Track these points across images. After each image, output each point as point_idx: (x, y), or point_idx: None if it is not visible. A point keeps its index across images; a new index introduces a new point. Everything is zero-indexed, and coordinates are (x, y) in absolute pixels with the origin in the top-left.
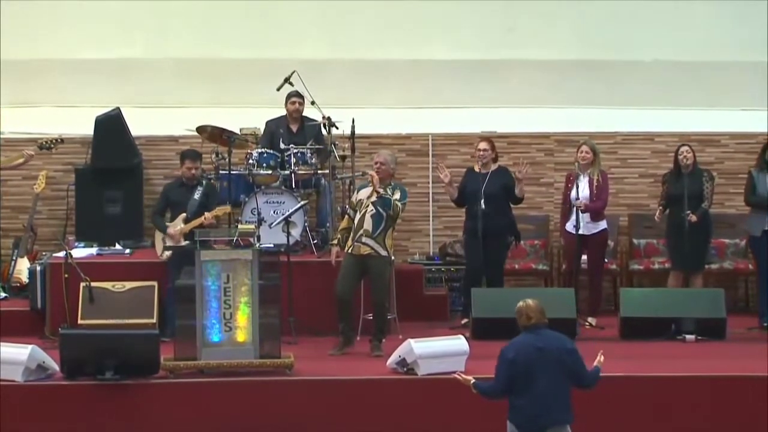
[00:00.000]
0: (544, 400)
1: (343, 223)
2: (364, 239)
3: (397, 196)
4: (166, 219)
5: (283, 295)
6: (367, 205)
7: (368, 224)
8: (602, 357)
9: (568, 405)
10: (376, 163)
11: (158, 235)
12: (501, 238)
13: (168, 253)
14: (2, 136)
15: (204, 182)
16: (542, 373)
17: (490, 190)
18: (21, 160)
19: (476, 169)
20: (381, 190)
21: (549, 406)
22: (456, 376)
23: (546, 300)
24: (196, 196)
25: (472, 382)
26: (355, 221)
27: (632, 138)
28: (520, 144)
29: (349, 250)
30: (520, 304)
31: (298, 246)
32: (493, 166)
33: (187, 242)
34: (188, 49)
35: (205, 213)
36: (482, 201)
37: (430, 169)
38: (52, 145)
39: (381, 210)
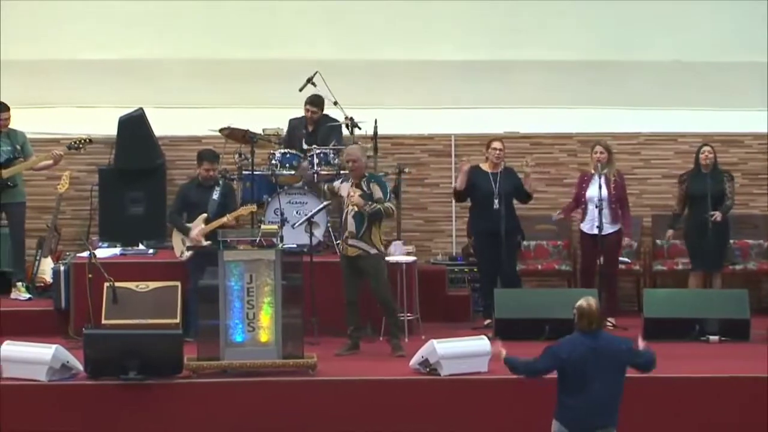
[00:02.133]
0: (596, 402)
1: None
2: (350, 241)
3: (379, 193)
4: (183, 219)
5: (305, 295)
6: (348, 205)
7: (351, 225)
8: (642, 342)
9: (617, 408)
10: (348, 161)
11: (176, 235)
12: (513, 238)
13: (187, 253)
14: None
15: (221, 182)
16: (596, 375)
17: (504, 189)
18: (49, 162)
19: (485, 168)
20: (367, 209)
21: (600, 409)
22: (496, 345)
23: (569, 301)
24: (215, 196)
25: (504, 355)
26: (343, 221)
27: (655, 138)
28: (542, 145)
29: (341, 249)
30: (582, 304)
31: (320, 246)
32: (502, 166)
33: (209, 242)
34: (210, 50)
35: (228, 214)
36: (497, 201)
37: (453, 170)
38: (81, 145)
39: (362, 210)
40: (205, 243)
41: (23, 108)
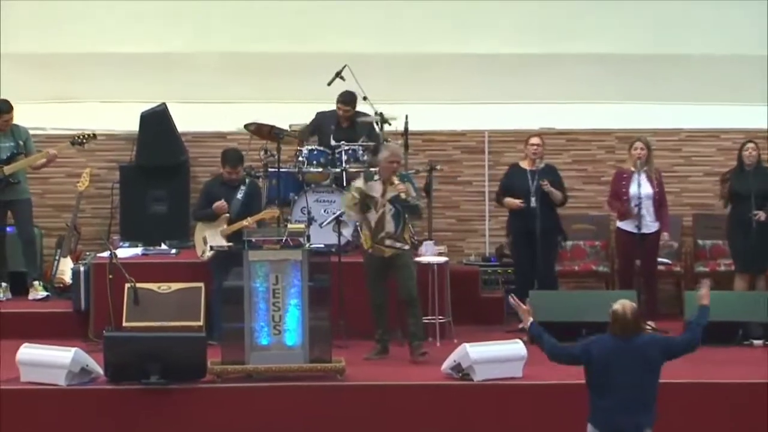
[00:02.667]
0: (627, 403)
1: (351, 199)
2: (387, 241)
3: (413, 192)
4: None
5: (333, 297)
6: (384, 204)
7: (390, 225)
8: (705, 288)
9: (650, 408)
10: (392, 162)
11: (198, 235)
12: (552, 238)
13: (209, 253)
14: (44, 132)
15: (247, 181)
16: (626, 376)
17: (541, 187)
18: (43, 160)
19: (524, 165)
20: (409, 199)
21: (632, 410)
22: (513, 299)
23: (607, 303)
24: (239, 195)
25: (531, 321)
26: (373, 222)
27: (697, 135)
28: (579, 141)
29: (370, 250)
30: (617, 309)
31: (349, 246)
32: (541, 164)
33: (230, 244)
34: (235, 43)
35: (248, 217)
36: (534, 199)
37: (486, 167)
38: (85, 141)
39: (399, 207)
40: (225, 245)
41: (43, 103)
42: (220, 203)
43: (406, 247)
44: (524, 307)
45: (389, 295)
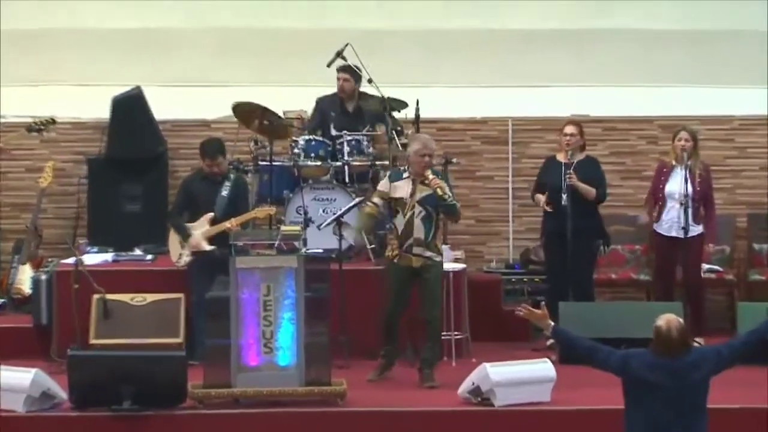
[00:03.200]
0: (664, 427)
1: (368, 209)
2: (415, 249)
3: (447, 191)
4: (184, 219)
5: (333, 310)
6: (413, 206)
7: (419, 231)
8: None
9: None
10: (424, 156)
11: (173, 237)
12: (588, 242)
13: (187, 259)
14: (5, 121)
15: (232, 176)
16: (669, 401)
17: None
18: None
19: (560, 158)
20: (447, 197)
21: None
22: (522, 308)
23: (649, 316)
24: (224, 192)
25: (551, 325)
26: (400, 226)
27: (752, 122)
28: (617, 130)
29: (395, 260)
30: (661, 327)
31: (351, 252)
32: (580, 155)
33: (213, 248)
34: (225, 18)
35: (234, 218)
36: (565, 196)
37: (510, 160)
38: (42, 127)
39: (431, 209)
40: (207, 248)
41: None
42: (197, 243)
43: (438, 258)
44: (537, 312)
45: (406, 312)
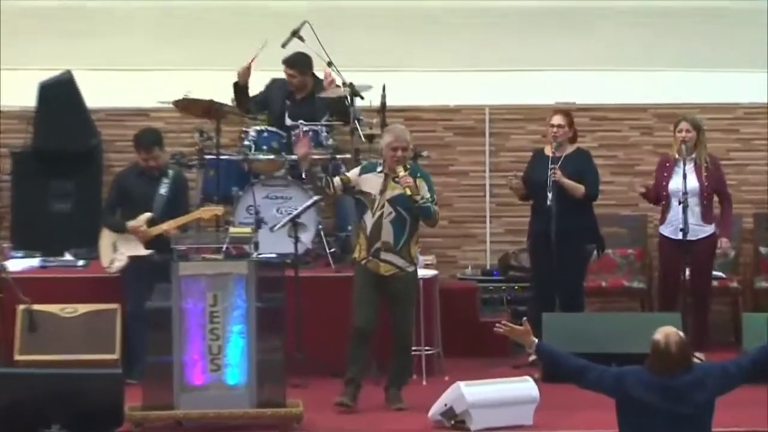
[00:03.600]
0: None
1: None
2: (383, 255)
3: (425, 191)
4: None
5: (289, 322)
6: (382, 206)
7: (388, 234)
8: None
9: None
10: (396, 149)
11: (105, 239)
12: (577, 246)
13: (120, 264)
14: None
15: (171, 171)
16: (665, 423)
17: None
18: None
19: (547, 151)
20: (418, 198)
21: None
22: (502, 325)
23: (645, 329)
24: (163, 190)
25: (535, 342)
26: (368, 226)
27: (759, 111)
28: (608, 120)
29: (363, 262)
30: (659, 341)
31: (309, 256)
32: (570, 149)
33: (150, 252)
34: None
35: (169, 220)
36: (550, 194)
37: (487, 153)
38: None
39: (403, 212)
40: (144, 252)
41: None
42: (137, 225)
43: (410, 267)
44: (519, 328)
45: (378, 322)
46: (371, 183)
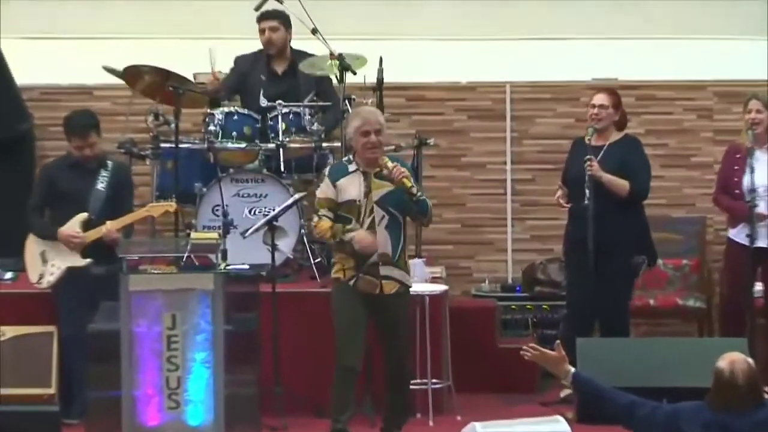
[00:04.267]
0: None
1: (325, 223)
2: (383, 270)
3: (412, 184)
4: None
5: (264, 348)
6: (371, 210)
7: (384, 243)
8: None
9: None
10: (367, 133)
11: (31, 248)
12: (622, 257)
13: (51, 278)
14: None
15: (110, 162)
16: None
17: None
18: None
19: (588, 139)
20: (417, 191)
21: None
22: (529, 348)
23: (703, 358)
24: (101, 185)
25: (572, 372)
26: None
27: None
28: (656, 99)
29: (351, 282)
30: (723, 369)
31: (290, 267)
32: (615, 136)
33: (88, 261)
34: None
35: (108, 221)
36: (587, 192)
37: (508, 141)
38: None
39: (396, 212)
40: (81, 263)
41: None
42: (70, 230)
43: (409, 280)
44: (550, 353)
45: (366, 354)
46: (349, 188)
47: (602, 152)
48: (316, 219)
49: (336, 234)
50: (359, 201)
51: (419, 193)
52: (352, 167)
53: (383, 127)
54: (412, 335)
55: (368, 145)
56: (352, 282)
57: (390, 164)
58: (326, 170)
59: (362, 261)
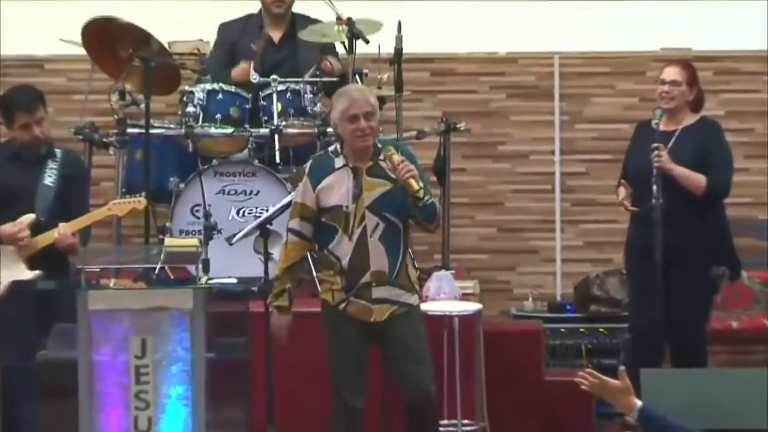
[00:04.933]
0: None
1: (286, 256)
2: (375, 292)
3: (420, 187)
4: None
5: (255, 381)
6: (362, 218)
7: (379, 259)
8: None
9: None
10: (355, 118)
11: None
12: (699, 269)
13: None
14: None
15: (58, 151)
16: None
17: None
18: None
19: (656, 123)
20: (423, 194)
21: None
22: (586, 375)
23: None
24: (48, 179)
25: (639, 406)
26: (344, 253)
27: None
28: (740, 74)
29: (342, 306)
30: None
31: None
32: (689, 119)
33: (37, 273)
34: None
35: (60, 224)
36: (655, 189)
37: (557, 125)
38: None
39: (393, 217)
40: (28, 275)
41: None
42: (13, 232)
43: (412, 296)
44: (612, 382)
45: (368, 390)
46: (335, 190)
47: (673, 139)
48: (286, 234)
49: (273, 290)
50: (347, 207)
51: (427, 198)
52: (338, 162)
53: (375, 108)
54: (438, 365)
55: (357, 133)
56: (342, 306)
57: (396, 158)
58: (306, 165)
59: (351, 284)
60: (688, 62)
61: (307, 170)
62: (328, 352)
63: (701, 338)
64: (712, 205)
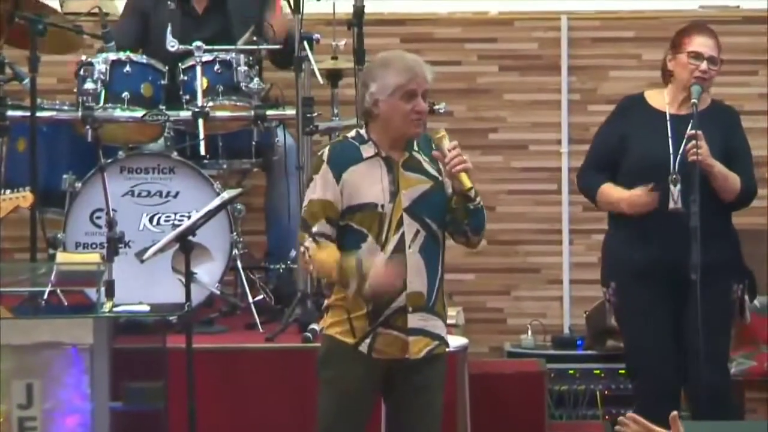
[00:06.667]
0: None
1: (327, 255)
2: (411, 320)
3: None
4: None
5: None
6: (398, 221)
7: (418, 277)
8: None
9: None
10: (413, 94)
11: None
12: (719, 285)
13: None
14: None
15: None
16: None
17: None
18: None
19: (654, 103)
20: (471, 187)
21: None
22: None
23: None
24: None
25: None
26: (374, 271)
27: None
28: None
29: (362, 346)
30: None
31: (215, 309)
32: (702, 102)
33: None
34: None
35: None
36: (674, 185)
37: (565, 105)
38: None
39: (435, 225)
40: None
41: None
42: None
43: (446, 333)
44: (658, 430)
45: None
46: (368, 184)
47: (691, 123)
48: (308, 242)
49: (348, 273)
50: (382, 207)
51: (479, 200)
52: (366, 150)
53: (428, 84)
54: None
55: (414, 116)
56: (368, 346)
57: (448, 143)
58: (324, 153)
59: (381, 307)
60: (713, 31)
61: (325, 157)
62: (323, 402)
63: (723, 375)
64: (728, 214)
